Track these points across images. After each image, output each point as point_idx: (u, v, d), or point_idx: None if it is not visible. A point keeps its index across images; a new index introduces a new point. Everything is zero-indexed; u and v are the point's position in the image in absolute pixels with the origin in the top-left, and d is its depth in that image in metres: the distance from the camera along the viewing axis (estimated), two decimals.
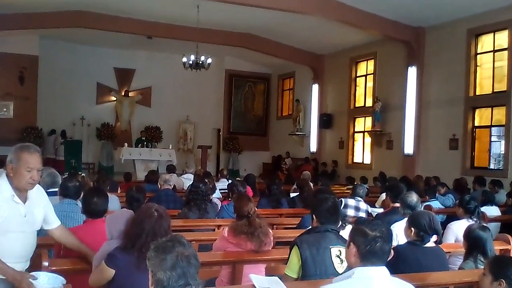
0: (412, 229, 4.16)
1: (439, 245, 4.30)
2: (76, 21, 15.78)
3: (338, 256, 3.55)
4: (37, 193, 3.58)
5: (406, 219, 5.02)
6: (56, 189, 5.36)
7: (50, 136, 19.27)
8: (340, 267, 3.53)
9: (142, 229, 3.24)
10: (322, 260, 3.53)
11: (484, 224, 4.61)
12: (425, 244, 4.10)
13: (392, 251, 2.72)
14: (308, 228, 4.07)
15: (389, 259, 2.70)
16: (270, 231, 4.62)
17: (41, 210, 3.58)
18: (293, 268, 3.62)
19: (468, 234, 4.20)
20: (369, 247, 2.62)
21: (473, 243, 4.14)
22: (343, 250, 3.43)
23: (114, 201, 6.51)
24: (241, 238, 4.35)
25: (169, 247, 2.20)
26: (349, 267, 2.75)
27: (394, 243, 4.75)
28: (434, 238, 4.18)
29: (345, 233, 3.84)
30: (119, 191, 8.56)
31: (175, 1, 13.74)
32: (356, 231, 2.71)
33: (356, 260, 2.65)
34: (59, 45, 19.32)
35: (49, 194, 5.44)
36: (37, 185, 3.58)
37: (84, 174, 11.39)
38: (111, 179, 9.78)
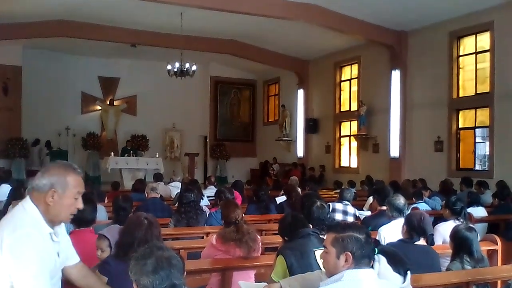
0: (405, 226, 4.33)
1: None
2: (60, 30, 15.69)
3: None
4: None
5: (393, 221, 5.08)
6: None
7: (35, 147, 19.10)
8: None
9: (133, 237, 3.26)
10: (308, 264, 3.53)
11: (470, 225, 4.65)
12: (414, 242, 4.19)
13: None
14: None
15: None
16: (258, 237, 4.62)
17: (67, 238, 2.86)
18: (279, 274, 3.63)
19: (455, 235, 4.24)
20: (364, 251, 2.64)
21: (460, 244, 4.17)
22: None
23: (101, 211, 6.46)
24: (230, 245, 4.34)
25: (148, 253, 2.23)
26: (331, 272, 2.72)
27: None
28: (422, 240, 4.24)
29: None
30: (106, 201, 8.50)
31: (159, 9, 13.72)
32: (346, 238, 2.65)
33: (350, 266, 2.64)
34: (43, 55, 19.21)
35: None
36: None
37: None
38: (97, 188, 9.71)
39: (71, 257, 2.84)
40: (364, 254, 2.64)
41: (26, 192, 2.59)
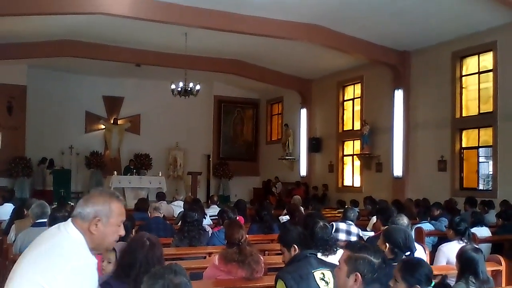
0: (387, 244, 4.09)
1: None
2: (65, 50, 15.81)
3: (322, 279, 3.53)
4: None
5: None
6: (45, 220, 5.31)
7: (39, 166, 19.10)
8: None
9: (135, 258, 3.21)
10: (307, 286, 3.51)
11: (476, 246, 4.61)
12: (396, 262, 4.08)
13: None
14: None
15: None
16: (261, 258, 4.59)
17: None
18: None
19: (461, 255, 4.19)
20: (376, 275, 2.62)
21: (465, 265, 4.12)
22: (325, 272, 3.47)
23: None
24: (232, 265, 4.32)
25: (160, 274, 2.22)
26: None
27: None
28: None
29: (337, 257, 3.84)
30: None
31: (163, 29, 13.82)
32: (359, 259, 2.66)
33: (359, 287, 2.63)
34: (47, 74, 19.31)
35: (38, 225, 5.42)
36: None
37: (72, 204, 11.29)
38: None
39: None
40: (375, 279, 2.63)
41: (71, 220, 2.51)
